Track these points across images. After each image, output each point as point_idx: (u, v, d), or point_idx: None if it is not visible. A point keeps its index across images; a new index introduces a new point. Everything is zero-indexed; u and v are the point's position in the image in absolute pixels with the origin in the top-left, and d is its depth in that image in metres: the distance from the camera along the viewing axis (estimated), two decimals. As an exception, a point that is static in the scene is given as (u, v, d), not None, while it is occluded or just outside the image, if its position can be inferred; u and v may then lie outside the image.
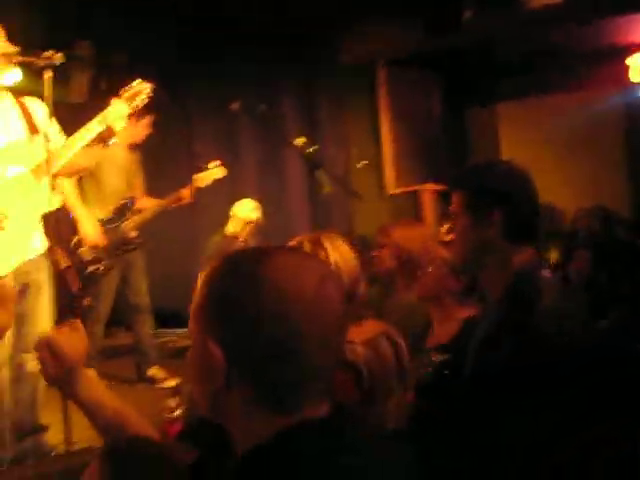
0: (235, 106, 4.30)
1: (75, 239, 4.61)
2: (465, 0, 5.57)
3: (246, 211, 5.62)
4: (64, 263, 6.89)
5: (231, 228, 5.67)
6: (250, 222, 5.59)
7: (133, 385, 5.04)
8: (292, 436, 0.92)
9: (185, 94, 6.46)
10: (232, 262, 1.01)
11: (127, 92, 3.38)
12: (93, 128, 3.24)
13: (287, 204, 6.23)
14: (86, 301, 6.00)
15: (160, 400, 2.94)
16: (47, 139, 3.12)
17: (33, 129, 3.25)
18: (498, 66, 6.64)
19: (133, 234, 4.87)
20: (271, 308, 0.92)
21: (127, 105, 3.33)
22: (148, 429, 1.48)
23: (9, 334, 3.13)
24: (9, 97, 3.28)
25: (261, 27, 5.60)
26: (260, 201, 5.77)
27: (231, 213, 5.68)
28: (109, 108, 3.28)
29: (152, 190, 5.23)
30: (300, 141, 4.12)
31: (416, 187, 6.32)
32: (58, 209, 3.26)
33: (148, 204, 5.02)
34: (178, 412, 2.85)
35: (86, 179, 4.73)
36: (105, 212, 4.81)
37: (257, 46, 5.75)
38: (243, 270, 0.97)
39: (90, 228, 4.55)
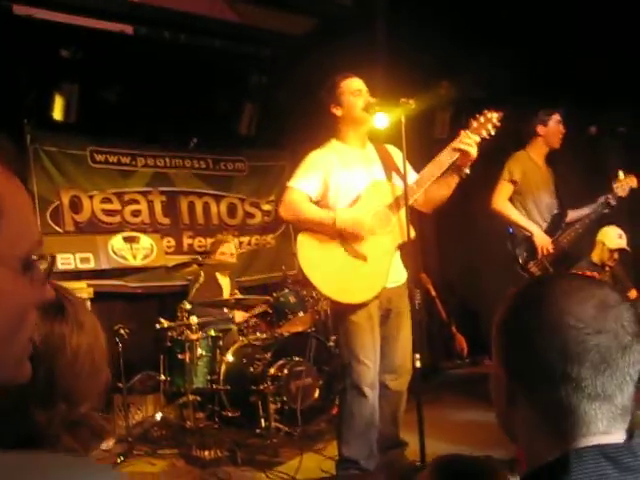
0: (593, 129, 4.20)
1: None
2: None
3: (611, 239, 5.35)
4: (433, 292, 7.30)
5: (596, 255, 5.45)
6: (615, 250, 5.32)
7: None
8: (571, 461, 0.91)
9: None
10: (518, 292, 1.06)
11: (477, 121, 3.50)
12: (443, 161, 3.44)
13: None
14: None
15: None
16: (403, 177, 3.42)
17: (391, 170, 3.59)
18: None
19: (568, 247, 4.81)
20: (547, 328, 0.96)
21: (476, 134, 3.44)
22: None
23: (377, 356, 3.47)
24: (370, 145, 3.68)
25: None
26: (629, 227, 5.44)
27: (597, 240, 5.46)
28: (458, 138, 3.43)
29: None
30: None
31: None
32: (412, 240, 3.49)
33: (577, 217, 4.89)
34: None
35: (523, 198, 4.84)
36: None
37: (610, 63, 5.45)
38: (525, 296, 1.03)
39: (541, 237, 4.67)
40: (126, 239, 6.39)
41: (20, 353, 0.77)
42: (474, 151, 3.40)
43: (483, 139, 3.47)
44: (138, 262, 6.37)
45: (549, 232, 4.77)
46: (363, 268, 3.43)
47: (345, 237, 3.42)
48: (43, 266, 0.78)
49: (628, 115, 5.55)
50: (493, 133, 3.48)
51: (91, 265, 6.12)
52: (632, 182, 4.68)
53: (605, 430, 0.95)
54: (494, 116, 3.49)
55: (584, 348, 0.94)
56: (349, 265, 3.42)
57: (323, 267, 3.43)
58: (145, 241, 6.47)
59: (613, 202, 4.68)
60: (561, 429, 0.96)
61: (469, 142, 3.39)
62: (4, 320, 0.73)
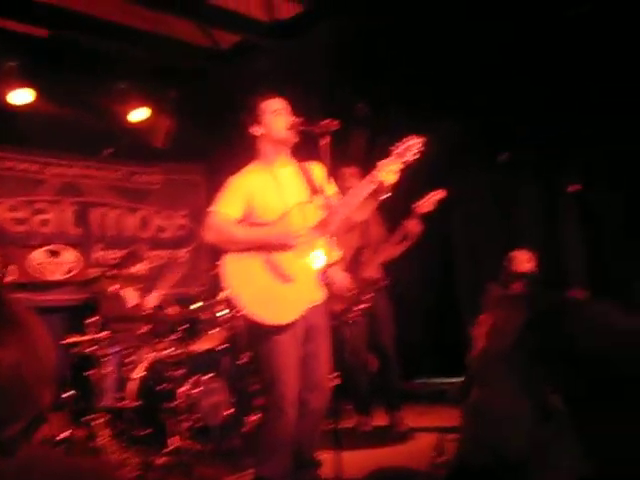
0: (503, 157, 4.37)
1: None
2: None
3: (520, 262, 5.54)
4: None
5: (504, 278, 5.62)
6: (524, 273, 5.51)
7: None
8: None
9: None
10: None
11: (398, 148, 3.49)
12: (366, 186, 3.48)
13: (563, 254, 5.97)
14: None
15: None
16: (325, 199, 3.44)
17: (313, 191, 3.61)
18: None
19: (374, 275, 5.20)
20: None
21: (398, 161, 3.44)
22: None
23: (297, 374, 3.45)
24: (292, 163, 3.69)
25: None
26: (536, 252, 5.66)
27: (505, 263, 5.64)
28: (380, 165, 3.44)
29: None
30: (575, 188, 4.04)
31: None
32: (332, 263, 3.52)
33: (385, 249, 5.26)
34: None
35: None
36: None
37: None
38: None
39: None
40: (48, 252, 6.16)
41: None
42: (393, 178, 3.41)
43: (406, 164, 3.49)
44: (60, 277, 6.14)
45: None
46: (288, 289, 3.44)
47: (276, 252, 3.43)
48: None
49: (537, 142, 5.78)
50: (415, 158, 3.50)
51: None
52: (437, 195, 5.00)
53: None
54: (417, 143, 3.47)
55: None
56: (275, 286, 3.43)
57: (250, 288, 3.42)
58: (70, 255, 6.26)
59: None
60: None
61: (384, 175, 3.40)
62: None
